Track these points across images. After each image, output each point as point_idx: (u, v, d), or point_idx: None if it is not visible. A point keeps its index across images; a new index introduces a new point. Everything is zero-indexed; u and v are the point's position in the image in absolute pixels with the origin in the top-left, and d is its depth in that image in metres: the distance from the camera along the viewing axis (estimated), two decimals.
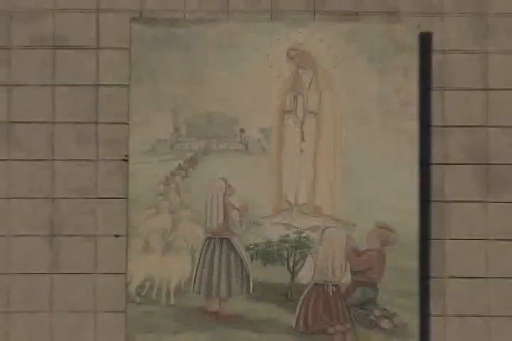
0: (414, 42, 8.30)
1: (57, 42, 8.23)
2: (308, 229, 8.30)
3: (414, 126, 8.25)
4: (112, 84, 8.17)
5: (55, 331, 8.12)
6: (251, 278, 8.23)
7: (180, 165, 8.27)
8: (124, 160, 8.14)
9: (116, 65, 8.20)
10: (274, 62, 8.35)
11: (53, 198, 8.19)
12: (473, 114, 8.25)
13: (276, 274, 8.29)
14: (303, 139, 8.34)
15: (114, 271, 8.15)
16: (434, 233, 8.25)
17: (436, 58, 8.33)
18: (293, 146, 8.34)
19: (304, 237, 8.27)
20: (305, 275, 8.33)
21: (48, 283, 8.11)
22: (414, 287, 8.20)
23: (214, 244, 8.24)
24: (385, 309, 8.22)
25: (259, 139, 8.29)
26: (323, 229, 8.25)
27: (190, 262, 8.24)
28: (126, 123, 8.14)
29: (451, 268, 8.25)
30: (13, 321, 8.12)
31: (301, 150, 8.30)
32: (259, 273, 8.26)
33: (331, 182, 8.36)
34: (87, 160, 8.19)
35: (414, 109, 8.26)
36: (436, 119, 8.28)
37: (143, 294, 8.14)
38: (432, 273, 8.22)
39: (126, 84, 8.11)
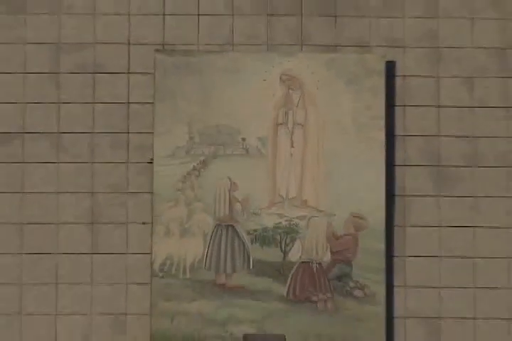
0: (381, 68, 9.46)
1: (96, 69, 9.41)
2: (297, 217, 9.41)
3: (381, 136, 9.41)
4: (140, 102, 9.39)
5: (94, 299, 9.25)
6: (251, 257, 9.33)
7: (194, 166, 9.37)
8: (150, 162, 9.30)
9: (143, 87, 9.41)
10: (269, 84, 9.51)
11: (93, 193, 9.36)
12: (428, 125, 9.46)
13: (271, 254, 9.38)
14: (292, 146, 9.47)
15: (142, 251, 9.31)
16: (397, 221, 9.42)
17: (398, 81, 9.53)
18: (284, 152, 9.48)
19: (294, 224, 9.37)
20: (294, 254, 9.43)
21: (89, 261, 9.25)
22: (381, 264, 9.32)
23: (221, 229, 9.34)
24: (357, 281, 9.33)
25: (257, 146, 9.42)
26: (309, 218, 9.35)
27: (202, 244, 9.33)
28: (151, 133, 9.29)
29: (411, 249, 9.42)
30: (60, 292, 9.25)
31: (291, 155, 9.44)
32: (258, 253, 9.36)
33: (315, 180, 9.51)
34: (120, 162, 9.38)
35: (381, 122, 9.40)
36: (398, 130, 9.48)
37: (165, 270, 9.26)
38: (396, 253, 9.38)
39: (151, 102, 9.28)
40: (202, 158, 9.53)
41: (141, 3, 9.67)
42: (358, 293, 9.46)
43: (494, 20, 9.67)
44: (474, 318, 9.46)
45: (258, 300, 9.41)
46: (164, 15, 9.60)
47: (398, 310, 9.48)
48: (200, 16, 9.58)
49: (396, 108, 9.54)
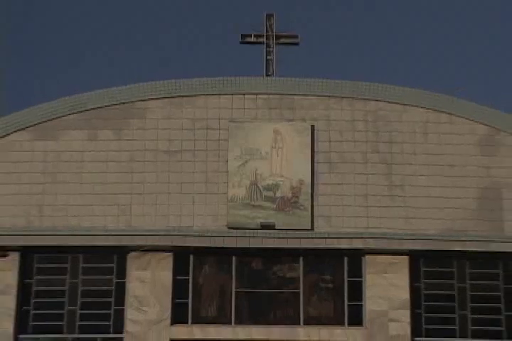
0: (308, 127, 19.09)
1: (209, 126, 18.30)
2: (279, 180, 19.13)
3: (309, 152, 18.65)
4: (223, 139, 18.02)
5: (208, 209, 17.63)
6: (263, 194, 19.01)
7: (242, 163, 18.93)
8: (227, 161, 17.87)
9: (224, 135, 18.29)
10: (270, 133, 19.31)
11: (207, 172, 18.87)
12: (327, 148, 18.54)
13: (270, 193, 19.12)
14: (278, 156, 19.03)
15: (224, 192, 18.67)
16: (315, 181, 18.84)
17: (316, 132, 18.46)
18: (275, 157, 19.27)
19: (278, 183, 19.17)
20: (278, 194, 18.70)
21: (204, 198, 17.82)
22: (309, 197, 18.92)
23: (253, 185, 19.20)
24: (301, 204, 18.87)
25: (265, 155, 19.29)
26: (283, 180, 18.82)
27: (245, 190, 19.04)
28: (227, 150, 18.08)
29: (321, 191, 18.95)
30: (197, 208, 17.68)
31: (277, 157, 18.71)
32: (265, 193, 19.15)
33: (286, 167, 19.13)
34: (215, 161, 19.08)
35: (309, 145, 18.40)
36: (317, 148, 18.92)
37: (233, 199, 18.83)
38: (315, 192, 18.82)
39: (227, 139, 18.07)
40: (245, 160, 18.75)
41: (218, 106, 18.25)
42: (302, 207, 18.50)
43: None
44: (344, 216, 17.75)
45: (265, 210, 18.83)
46: (232, 111, 18.23)
47: (316, 213, 18.70)
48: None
49: (315, 142, 19.21)
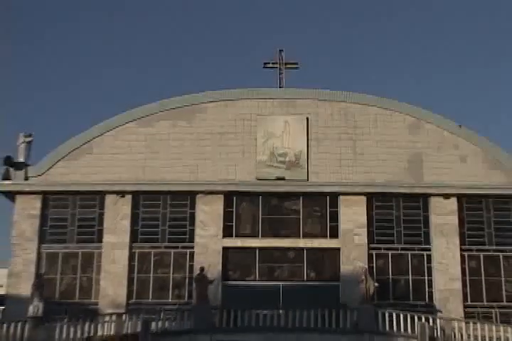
0: (304, 119, 27.62)
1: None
2: (288, 151, 28.23)
3: (305, 136, 26.77)
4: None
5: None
6: (278, 159, 27.26)
7: (265, 140, 28.15)
8: (256, 139, 26.12)
9: (255, 124, 26.46)
10: (282, 122, 26.90)
11: (243, 145, 26.29)
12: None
13: (282, 158, 26.83)
14: (286, 135, 26.83)
15: (253, 158, 26.14)
16: (309, 151, 26.56)
17: (312, 122, 26.69)
18: (286, 137, 28.57)
19: (287, 152, 28.56)
20: (287, 158, 28.01)
21: (242, 162, 26.20)
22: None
23: (271, 153, 26.53)
24: (301, 164, 26.04)
25: (279, 137, 27.07)
26: (290, 151, 27.28)
27: (267, 156, 26.60)
28: (256, 132, 26.30)
29: (315, 157, 26.53)
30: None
31: (288, 138, 27.48)
32: (279, 158, 27.09)
33: (293, 143, 27.84)
34: (251, 139, 26.51)
35: (305, 133, 26.65)
36: (312, 131, 26.32)
37: (259, 162, 26.02)
38: (309, 157, 28.15)
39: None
40: (266, 138, 28.81)
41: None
42: (301, 167, 28.25)
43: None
44: (327, 172, 26.09)
45: (279, 168, 28.27)
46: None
47: (310, 170, 28.08)
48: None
49: (309, 127, 27.76)
